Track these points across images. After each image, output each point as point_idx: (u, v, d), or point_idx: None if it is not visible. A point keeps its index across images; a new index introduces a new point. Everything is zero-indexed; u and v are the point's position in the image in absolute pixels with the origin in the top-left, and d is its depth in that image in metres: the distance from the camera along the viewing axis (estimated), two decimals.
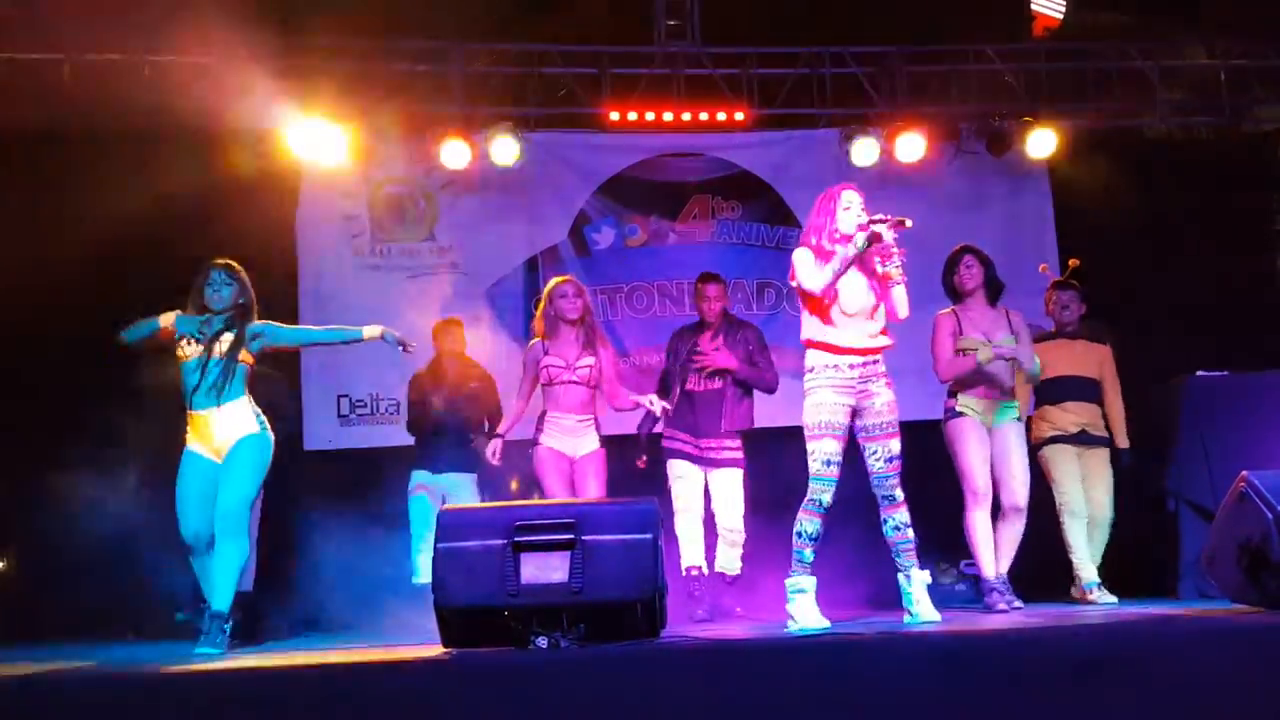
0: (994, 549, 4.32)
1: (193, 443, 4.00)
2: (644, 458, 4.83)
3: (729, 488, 4.78)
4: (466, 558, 3.05)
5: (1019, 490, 4.32)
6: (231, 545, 3.88)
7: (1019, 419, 4.44)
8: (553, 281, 4.70)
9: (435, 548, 3.10)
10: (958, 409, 4.37)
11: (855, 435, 3.69)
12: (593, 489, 4.51)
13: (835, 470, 3.61)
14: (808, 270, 3.66)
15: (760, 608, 4.71)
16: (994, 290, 4.45)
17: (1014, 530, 4.35)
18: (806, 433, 3.67)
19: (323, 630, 5.11)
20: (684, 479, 4.80)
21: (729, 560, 4.79)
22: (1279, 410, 4.82)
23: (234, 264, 4.10)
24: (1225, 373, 5.02)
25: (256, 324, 4.08)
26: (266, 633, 4.59)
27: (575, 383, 4.50)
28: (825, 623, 3.55)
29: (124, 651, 4.12)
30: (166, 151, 5.71)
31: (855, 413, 3.67)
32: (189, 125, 5.79)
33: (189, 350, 3.97)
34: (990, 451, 4.34)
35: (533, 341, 4.63)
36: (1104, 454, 4.86)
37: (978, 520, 4.30)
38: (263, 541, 4.95)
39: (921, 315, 4.59)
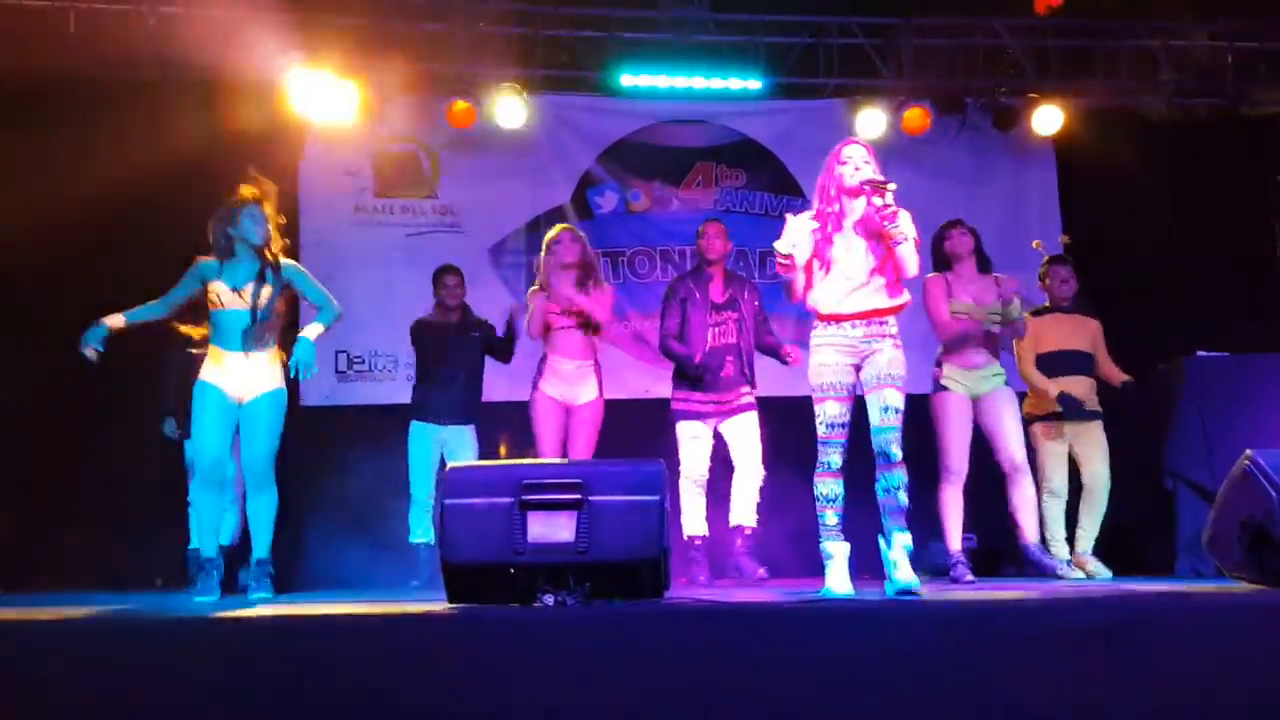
0: (1013, 516, 4.46)
1: (212, 376, 3.95)
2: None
3: (746, 430, 4.74)
4: (474, 515, 3.06)
5: (1016, 449, 4.46)
6: (264, 497, 4.01)
7: (1006, 384, 4.55)
8: (552, 230, 4.83)
9: (443, 504, 3.11)
10: (943, 381, 4.49)
11: (860, 392, 3.59)
12: (582, 440, 4.59)
13: (840, 432, 3.52)
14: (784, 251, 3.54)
15: (783, 572, 4.77)
16: (982, 259, 4.55)
17: (1026, 493, 4.48)
18: (812, 394, 3.57)
19: (317, 585, 5.12)
20: (694, 442, 4.75)
21: (746, 510, 4.71)
22: (1276, 390, 4.86)
23: (264, 200, 4.02)
24: (1225, 354, 5.03)
25: (288, 267, 4.03)
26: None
27: (571, 327, 4.59)
28: (850, 590, 3.47)
29: (131, 600, 4.11)
30: (171, 102, 5.67)
31: (858, 369, 3.55)
32: (194, 76, 5.73)
33: (225, 299, 3.93)
34: (977, 424, 4.47)
35: (533, 288, 4.75)
36: (1098, 426, 4.91)
37: (949, 495, 4.43)
38: None
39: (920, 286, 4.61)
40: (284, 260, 4.06)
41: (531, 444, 4.74)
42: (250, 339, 3.92)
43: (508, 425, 5.37)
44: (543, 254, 4.73)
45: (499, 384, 5.32)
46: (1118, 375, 5.00)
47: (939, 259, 4.59)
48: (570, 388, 4.63)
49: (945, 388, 4.48)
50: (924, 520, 4.63)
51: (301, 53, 5.69)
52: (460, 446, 5.06)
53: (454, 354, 5.11)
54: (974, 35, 6.51)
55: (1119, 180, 6.25)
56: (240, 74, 5.66)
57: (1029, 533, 4.46)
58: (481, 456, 5.10)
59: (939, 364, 4.53)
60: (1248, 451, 3.34)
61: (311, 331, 3.98)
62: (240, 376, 3.94)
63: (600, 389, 4.72)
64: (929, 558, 5.23)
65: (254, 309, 3.91)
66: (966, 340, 4.46)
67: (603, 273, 6.25)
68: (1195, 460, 4.76)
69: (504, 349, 5.13)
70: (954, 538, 4.44)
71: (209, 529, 4.00)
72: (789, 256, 3.44)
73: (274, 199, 4.06)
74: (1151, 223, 6.21)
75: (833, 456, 3.53)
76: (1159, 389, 5.07)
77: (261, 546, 4.04)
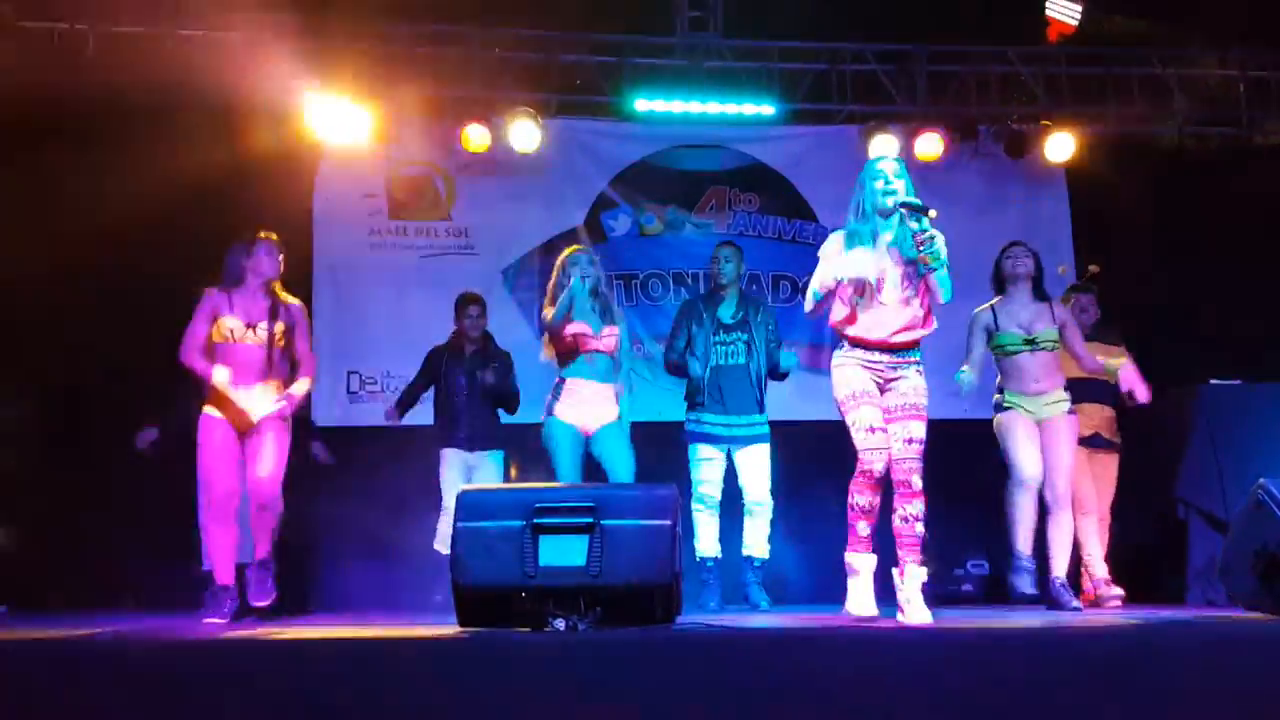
0: (1048, 548, 4.35)
1: (216, 410, 4.00)
2: None
3: (758, 461, 4.71)
4: (486, 538, 3.06)
5: (1061, 482, 4.33)
6: (270, 512, 4.03)
7: (1069, 412, 4.40)
8: (566, 251, 4.53)
9: (455, 527, 3.11)
10: (1005, 404, 4.39)
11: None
12: (619, 466, 4.26)
13: (882, 437, 3.42)
14: (813, 281, 3.54)
15: (782, 599, 4.73)
16: (1039, 286, 4.45)
17: (1063, 528, 4.36)
18: (842, 408, 3.49)
19: (330, 606, 5.12)
20: (707, 464, 4.73)
21: (757, 541, 4.72)
22: None
23: (276, 235, 4.14)
24: (1238, 381, 5.02)
25: (295, 308, 4.12)
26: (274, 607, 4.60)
27: (602, 351, 4.34)
28: (874, 610, 3.44)
29: (135, 620, 4.13)
30: (188, 125, 5.71)
31: (882, 390, 3.51)
32: (211, 100, 5.78)
33: (236, 334, 3.99)
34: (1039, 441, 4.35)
35: (548, 313, 4.39)
36: (1114, 460, 4.91)
37: (1021, 498, 4.28)
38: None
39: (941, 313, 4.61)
40: (292, 299, 4.17)
41: (550, 473, 4.45)
42: (265, 373, 4.01)
43: (532, 448, 5.31)
44: (555, 274, 4.46)
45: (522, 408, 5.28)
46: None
47: (996, 281, 4.52)
48: (590, 410, 4.32)
49: (1008, 408, 4.38)
50: (944, 545, 4.63)
51: (318, 77, 5.76)
52: (486, 472, 5.07)
53: (476, 384, 5.08)
54: (987, 62, 6.55)
55: (1131, 207, 6.26)
56: (257, 98, 5.71)
57: (1057, 567, 4.36)
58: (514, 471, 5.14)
59: (1000, 390, 4.45)
60: (1260, 480, 3.33)
61: (299, 389, 4.09)
62: (246, 407, 3.99)
63: (622, 413, 4.45)
64: (938, 585, 5.22)
65: (271, 346, 4.00)
66: (1024, 373, 4.35)
67: (616, 298, 6.28)
68: (1207, 488, 4.75)
69: (510, 401, 5.15)
70: (1022, 540, 4.29)
71: (224, 558, 4.02)
72: (825, 291, 3.44)
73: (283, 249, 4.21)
74: (1163, 249, 6.22)
75: (876, 463, 3.43)
76: (1171, 417, 5.06)
77: (262, 549, 4.04)
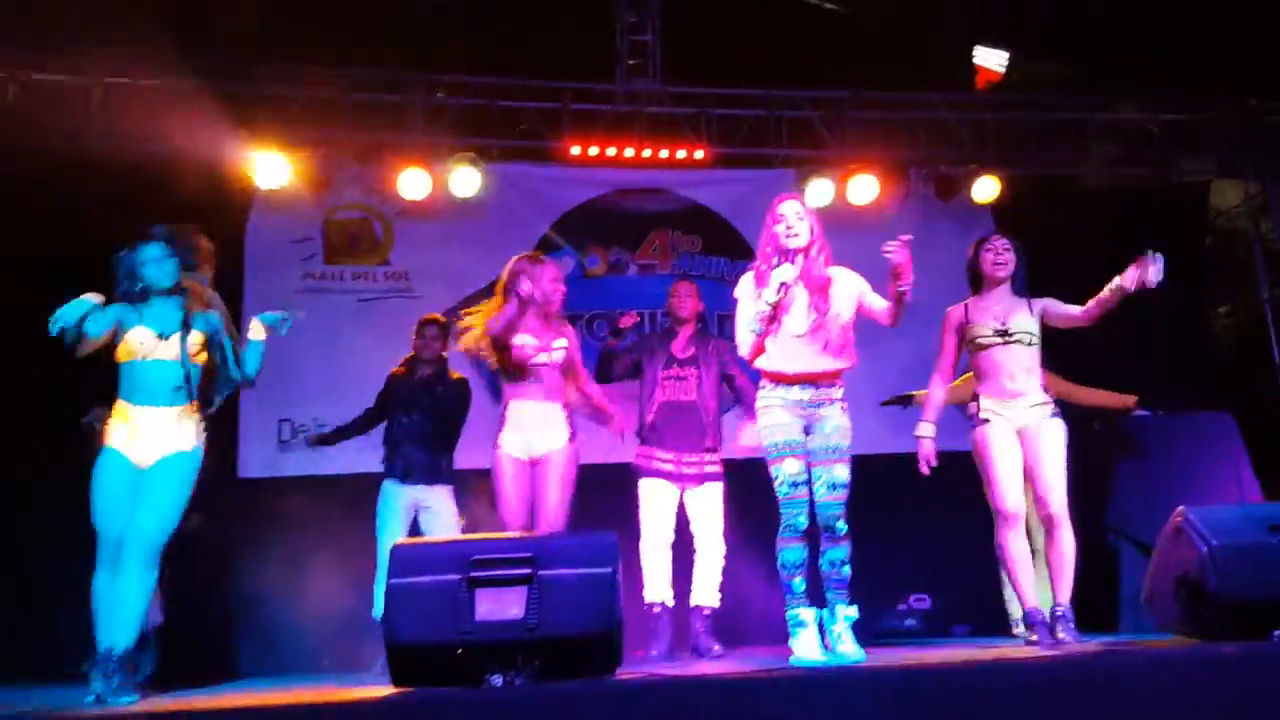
0: (1049, 571, 3.82)
1: (117, 440, 3.40)
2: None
3: (710, 504, 4.60)
4: (419, 594, 2.99)
5: (1055, 496, 3.77)
6: (145, 576, 3.31)
7: (1053, 415, 3.87)
8: (515, 258, 4.21)
9: (388, 583, 3.05)
10: (982, 414, 3.88)
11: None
12: (553, 493, 4.00)
13: (803, 491, 3.48)
14: (740, 326, 3.59)
15: (740, 642, 4.68)
16: (1018, 281, 4.02)
17: (1061, 547, 3.76)
18: (766, 457, 3.53)
19: (262, 671, 4.94)
20: (657, 502, 4.58)
21: (708, 590, 4.58)
22: (1210, 449, 5.03)
23: (176, 231, 3.55)
24: (1160, 412, 5.17)
25: (214, 320, 3.54)
26: (206, 672, 4.39)
27: (550, 365, 4.09)
28: (822, 656, 3.43)
29: (18, 696, 3.84)
30: (116, 174, 5.60)
31: (806, 431, 3.53)
32: (140, 148, 5.69)
33: (145, 348, 3.40)
34: (1022, 457, 3.86)
35: (495, 301, 4.14)
36: None
37: (1010, 541, 3.80)
38: (192, 574, 4.32)
39: (874, 350, 4.60)
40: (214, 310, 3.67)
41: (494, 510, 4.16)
42: (180, 393, 3.44)
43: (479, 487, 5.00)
44: (504, 280, 4.12)
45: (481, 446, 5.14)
46: (1116, 396, 5.06)
47: (972, 278, 4.08)
48: (534, 435, 4.05)
49: (985, 420, 3.85)
50: (872, 581, 4.61)
51: (251, 124, 5.70)
52: (437, 509, 4.76)
53: (424, 409, 4.85)
54: (916, 108, 6.73)
55: (1054, 245, 6.43)
56: (186, 145, 5.63)
57: (1061, 594, 3.74)
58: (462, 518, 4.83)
59: (974, 396, 3.95)
60: (1180, 508, 3.40)
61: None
62: (149, 438, 3.40)
63: (572, 435, 4.11)
64: (880, 622, 5.25)
65: (184, 359, 3.42)
66: (998, 369, 3.86)
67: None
68: (1135, 517, 4.87)
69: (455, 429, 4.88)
70: (1025, 591, 3.79)
71: (109, 620, 3.32)
72: (773, 304, 3.45)
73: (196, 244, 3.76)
74: (1085, 285, 6.37)
75: (798, 518, 3.47)
76: (1098, 448, 5.18)
77: (128, 634, 3.28)
